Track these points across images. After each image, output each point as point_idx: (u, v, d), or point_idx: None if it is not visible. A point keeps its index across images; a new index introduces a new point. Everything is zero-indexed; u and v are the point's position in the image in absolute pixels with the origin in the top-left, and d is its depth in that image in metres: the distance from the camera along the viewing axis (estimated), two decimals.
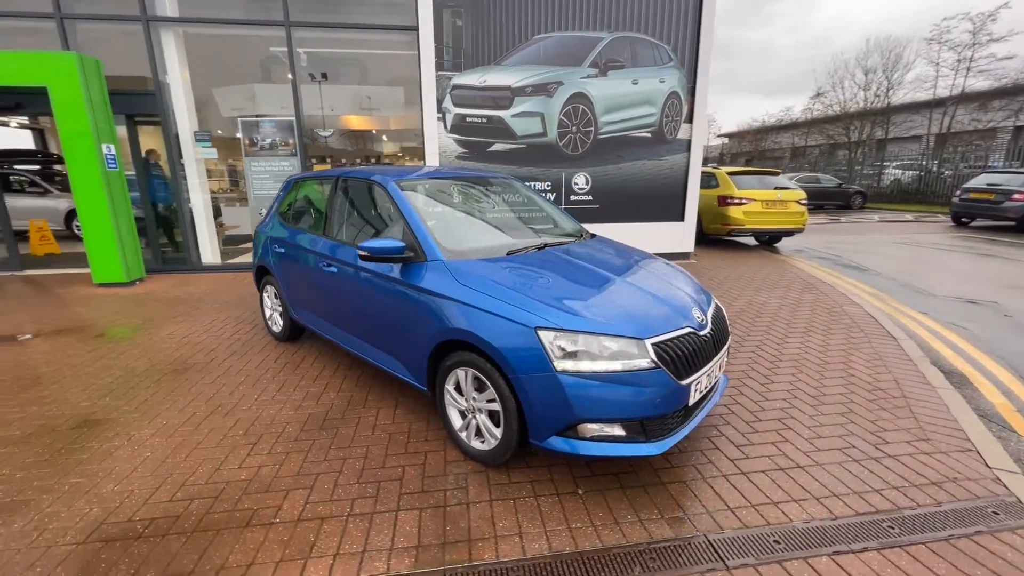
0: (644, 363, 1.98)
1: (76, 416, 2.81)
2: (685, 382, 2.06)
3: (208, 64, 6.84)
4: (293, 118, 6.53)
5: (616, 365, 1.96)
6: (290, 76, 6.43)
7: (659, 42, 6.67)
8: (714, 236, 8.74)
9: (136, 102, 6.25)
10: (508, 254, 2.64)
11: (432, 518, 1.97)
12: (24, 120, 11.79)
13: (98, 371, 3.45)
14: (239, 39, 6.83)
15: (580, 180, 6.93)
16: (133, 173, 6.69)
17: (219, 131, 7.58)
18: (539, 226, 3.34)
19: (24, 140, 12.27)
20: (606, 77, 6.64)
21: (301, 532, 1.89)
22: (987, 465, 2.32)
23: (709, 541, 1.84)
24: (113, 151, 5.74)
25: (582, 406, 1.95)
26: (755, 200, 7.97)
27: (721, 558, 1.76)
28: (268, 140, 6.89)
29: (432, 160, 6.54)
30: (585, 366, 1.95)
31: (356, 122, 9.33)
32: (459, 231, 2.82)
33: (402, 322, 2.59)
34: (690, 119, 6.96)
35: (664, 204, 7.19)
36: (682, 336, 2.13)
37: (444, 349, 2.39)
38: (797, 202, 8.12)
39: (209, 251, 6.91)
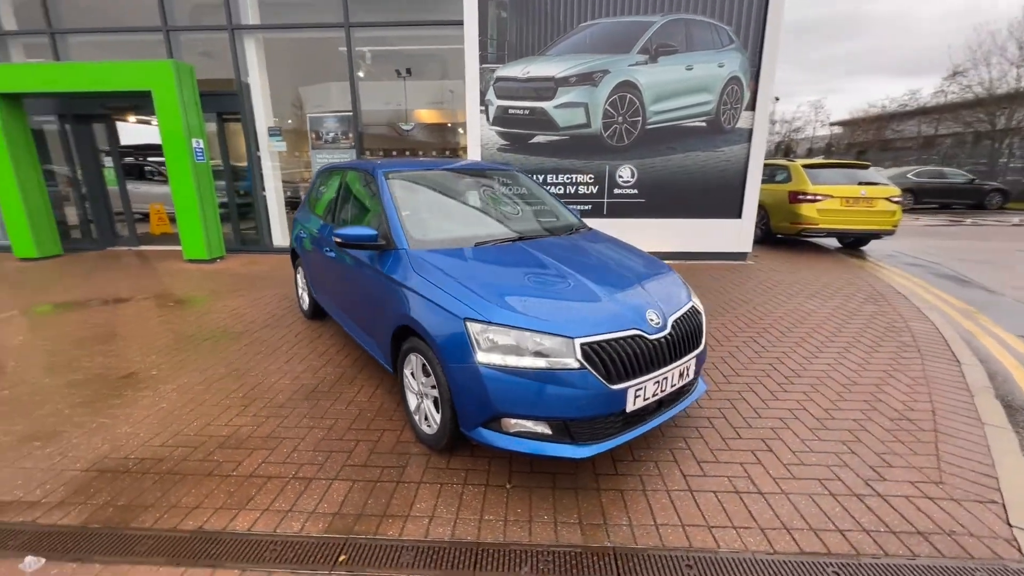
0: (570, 363, 1.91)
1: (125, 368, 3.36)
2: (618, 387, 1.96)
3: (283, 65, 7.57)
4: (351, 113, 7.02)
5: (541, 363, 1.92)
6: (361, 74, 6.92)
7: (718, 23, 6.15)
8: (784, 236, 7.92)
9: (225, 101, 7.13)
10: (476, 245, 2.66)
11: (360, 491, 2.09)
12: (145, 118, 13.91)
13: (157, 333, 4.06)
14: (310, 41, 7.44)
15: (625, 173, 6.65)
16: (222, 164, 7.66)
17: (289, 123, 8.36)
18: (529, 219, 3.31)
19: (154, 135, 14.53)
20: (657, 64, 6.27)
21: (246, 487, 2.12)
22: (1008, 523, 1.91)
23: (614, 554, 1.75)
24: (201, 145, 6.62)
25: (502, 399, 1.94)
26: (832, 196, 7.07)
27: (618, 572, 1.67)
28: (331, 134, 7.49)
29: (474, 153, 6.67)
30: (510, 360, 1.93)
31: (420, 116, 9.76)
32: (433, 222, 2.89)
33: (375, 306, 2.74)
34: (752, 106, 6.34)
35: (719, 199, 6.66)
36: (624, 338, 2.01)
37: (402, 334, 2.49)
38: (887, 199, 7.06)
39: (280, 234, 7.70)
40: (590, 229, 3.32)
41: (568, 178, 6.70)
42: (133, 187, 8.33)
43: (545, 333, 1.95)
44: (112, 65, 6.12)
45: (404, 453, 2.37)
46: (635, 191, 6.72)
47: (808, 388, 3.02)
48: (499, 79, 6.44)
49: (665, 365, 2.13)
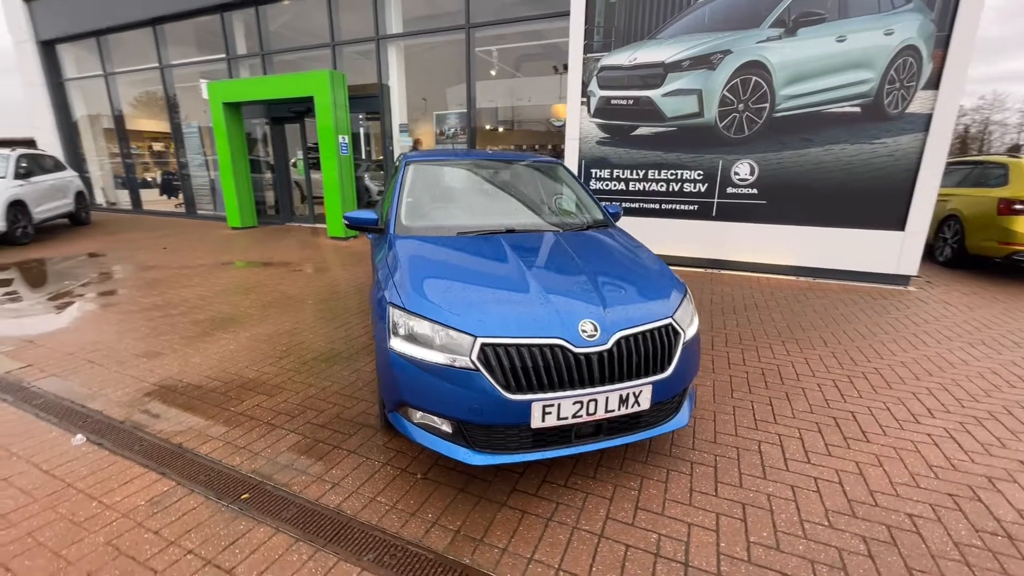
0: (467, 362, 1.80)
1: (230, 314, 4.26)
2: (517, 397, 1.77)
3: (418, 67, 8.44)
4: (466, 110, 7.49)
5: (442, 357, 1.85)
6: (493, 72, 7.37)
7: None
8: (984, 257, 5.82)
9: (370, 103, 8.30)
10: (457, 235, 2.65)
11: (298, 446, 2.31)
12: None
13: (269, 290, 5.02)
14: (442, 44, 8.12)
15: (742, 169, 5.70)
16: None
17: (412, 122, 9.28)
18: (538, 212, 3.14)
19: None
20: (795, 37, 5.18)
21: (231, 421, 2.53)
22: None
23: (463, 572, 1.61)
24: (346, 140, 7.85)
25: (406, 388, 1.93)
26: None
27: None
28: (452, 130, 8.12)
29: (571, 147, 6.49)
30: (417, 351, 1.91)
31: (558, 112, 9.89)
32: (430, 209, 2.96)
33: (373, 287, 2.96)
34: (935, 83, 4.79)
35: (870, 205, 5.23)
36: (540, 346, 1.81)
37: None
38: None
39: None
40: (610, 227, 2.99)
41: (671, 174, 6.04)
42: (317, 176, 10.31)
43: (451, 328, 1.86)
44: (289, 77, 7.67)
45: (362, 425, 2.52)
46: (754, 191, 5.72)
47: (872, 461, 2.24)
48: (603, 68, 6.11)
49: (594, 385, 1.84)
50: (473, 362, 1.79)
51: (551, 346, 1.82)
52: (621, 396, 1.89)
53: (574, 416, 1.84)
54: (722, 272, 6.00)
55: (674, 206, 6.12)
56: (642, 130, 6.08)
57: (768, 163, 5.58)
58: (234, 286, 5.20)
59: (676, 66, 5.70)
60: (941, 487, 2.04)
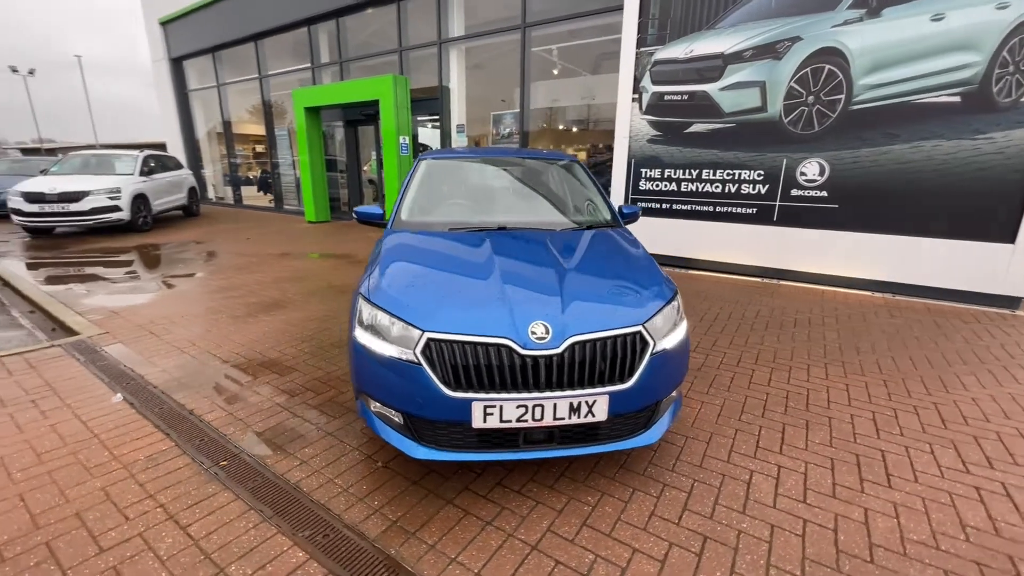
0: (411, 355, 1.81)
1: (277, 300, 4.66)
2: (457, 395, 1.75)
3: (476, 69, 8.61)
4: (518, 111, 7.51)
5: (393, 350, 1.87)
6: (555, 71, 7.37)
7: None
8: None
9: (431, 105, 8.63)
10: (449, 230, 2.67)
11: (286, 425, 2.47)
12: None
13: (319, 279, 5.42)
14: (502, 45, 8.19)
15: (810, 169, 5.10)
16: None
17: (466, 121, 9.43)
18: (539, 210, 3.08)
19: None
20: (879, 18, 4.53)
21: (239, 393, 2.77)
22: None
23: (386, 562, 1.62)
24: (406, 141, 8.24)
25: (364, 378, 1.99)
26: None
27: None
28: (507, 129, 8.19)
29: (621, 145, 6.24)
30: (374, 342, 1.94)
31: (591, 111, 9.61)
32: (430, 206, 3.00)
33: None
34: None
35: (973, 212, 4.42)
36: (485, 345, 1.77)
37: None
38: None
39: None
40: (615, 228, 2.83)
41: (728, 175, 5.57)
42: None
43: (404, 321, 1.88)
44: (358, 82, 8.22)
45: (349, 410, 2.64)
46: (823, 194, 5.09)
47: (879, 505, 1.90)
48: (657, 62, 5.80)
49: (540, 390, 1.76)
50: (417, 356, 1.79)
51: (497, 346, 1.77)
52: (572, 404, 1.79)
53: (518, 420, 1.78)
54: (781, 283, 5.42)
55: (730, 209, 5.65)
56: (697, 127, 5.68)
57: (842, 162, 4.94)
58: (290, 275, 5.69)
59: (737, 57, 5.25)
60: (969, 552, 1.68)
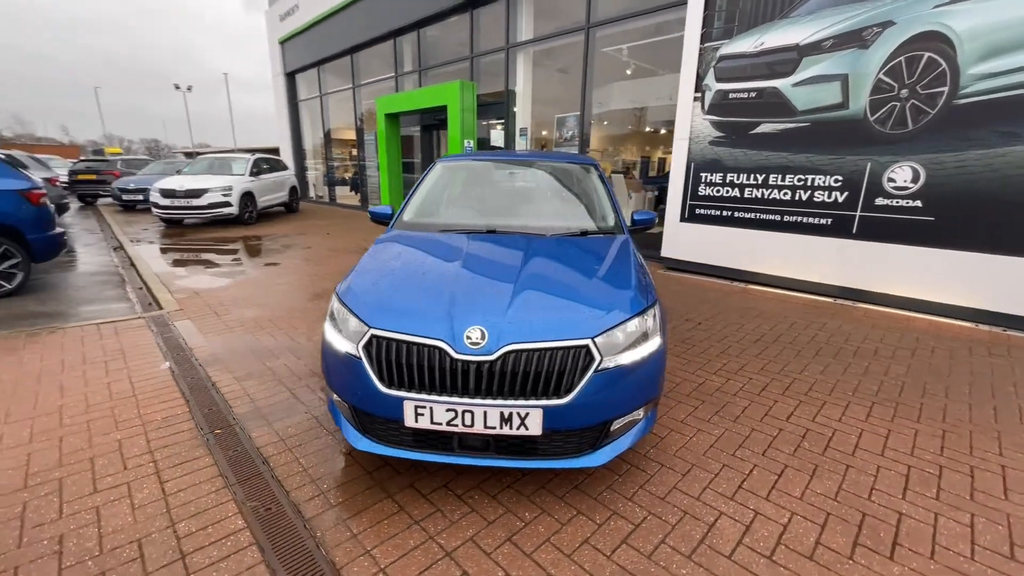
0: (356, 350, 1.89)
1: (322, 290, 5.09)
2: (391, 392, 1.79)
3: (542, 72, 8.59)
4: (579, 113, 7.37)
5: (346, 344, 1.96)
6: (629, 71, 7.22)
7: None
8: None
9: (497, 109, 8.81)
10: (440, 231, 2.72)
11: (284, 402, 2.69)
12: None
13: None
14: (564, 48, 8.10)
15: (902, 174, 4.37)
16: None
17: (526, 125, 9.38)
18: (539, 215, 3.01)
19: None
20: None
21: (261, 373, 3.08)
22: None
23: (312, 541, 1.70)
24: (470, 145, 8.49)
25: (326, 368, 2.11)
26: None
27: (258, 549, 1.65)
28: (570, 132, 8.09)
29: (680, 147, 5.85)
30: (333, 336, 2.04)
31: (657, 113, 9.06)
32: (434, 207, 3.06)
33: None
34: None
35: None
36: (421, 345, 1.79)
37: None
38: None
39: None
40: (607, 235, 2.69)
41: (799, 180, 4.97)
42: None
43: (356, 316, 1.97)
44: (430, 89, 8.64)
45: None
46: (916, 203, 4.33)
47: None
48: (722, 58, 5.35)
49: (471, 396, 1.74)
50: (359, 351, 1.86)
51: (432, 347, 1.78)
52: (503, 414, 1.74)
53: (448, 424, 1.77)
54: (858, 305, 4.70)
55: (800, 219, 5.03)
56: (765, 127, 5.14)
57: (942, 166, 4.16)
58: (348, 268, 6.16)
59: (815, 48, 4.67)
60: None
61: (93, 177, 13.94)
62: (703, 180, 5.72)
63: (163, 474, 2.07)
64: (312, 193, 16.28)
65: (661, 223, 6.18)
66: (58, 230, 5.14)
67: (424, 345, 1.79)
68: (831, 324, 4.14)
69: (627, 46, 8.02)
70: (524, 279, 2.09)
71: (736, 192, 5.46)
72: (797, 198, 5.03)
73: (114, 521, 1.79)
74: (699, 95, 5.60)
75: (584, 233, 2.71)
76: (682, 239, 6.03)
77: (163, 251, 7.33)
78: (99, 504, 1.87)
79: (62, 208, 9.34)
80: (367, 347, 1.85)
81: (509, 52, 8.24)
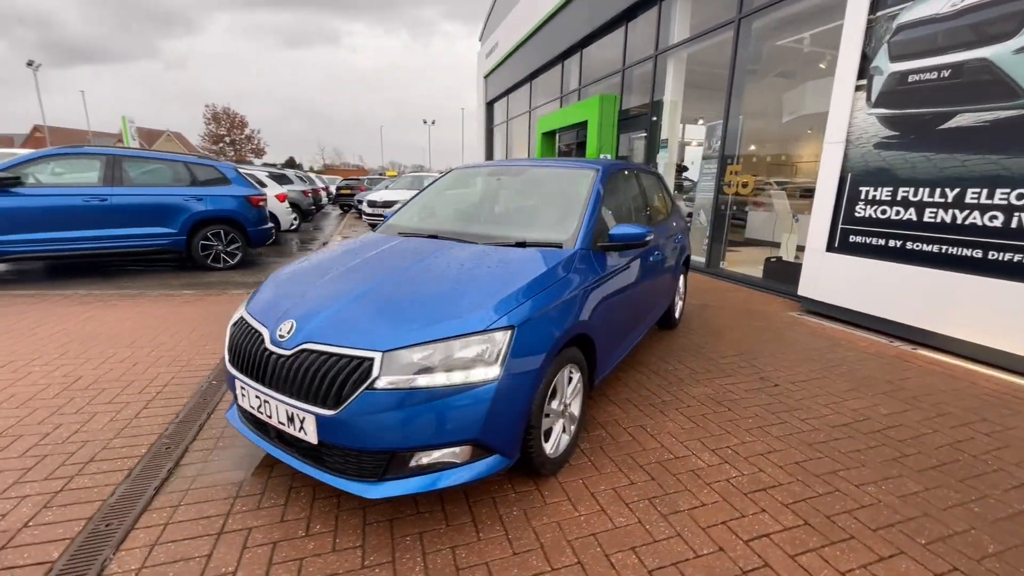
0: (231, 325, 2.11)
1: None
2: (230, 369, 1.96)
3: (693, 81, 7.57)
4: (721, 122, 6.29)
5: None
6: (820, 67, 6.11)
7: None
8: None
9: (640, 121, 8.22)
10: (398, 234, 2.76)
11: None
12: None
13: None
14: (715, 46, 6.96)
15: None
16: None
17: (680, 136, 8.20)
18: (512, 223, 2.71)
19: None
20: None
21: None
22: None
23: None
24: (607, 158, 8.14)
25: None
26: None
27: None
28: (717, 142, 6.99)
29: (832, 152, 4.41)
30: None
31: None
32: (422, 211, 3.08)
33: None
34: None
35: None
36: (250, 329, 1.93)
37: None
38: None
39: None
40: (547, 248, 2.28)
41: (1017, 198, 3.18)
42: None
43: (250, 313, 2.17)
44: (574, 107, 8.65)
45: None
46: None
47: None
48: (900, 28, 3.83)
49: (268, 386, 1.77)
50: (229, 328, 2.09)
51: (256, 333, 1.88)
52: (288, 413, 1.71)
53: (258, 410, 1.83)
54: None
55: (1016, 256, 3.22)
56: (962, 119, 3.48)
57: None
58: None
59: None
60: None
61: (349, 192, 18.59)
62: (862, 196, 4.18)
63: (173, 431, 2.69)
64: None
65: (800, 253, 4.77)
66: (268, 225, 7.09)
67: (253, 330, 1.89)
68: None
69: (809, 34, 6.47)
70: (384, 283, 1.99)
71: (911, 214, 3.81)
72: (1013, 225, 3.22)
73: None
74: (863, 83, 4.14)
75: (523, 244, 2.36)
76: (827, 275, 4.51)
77: None
78: (110, 438, 2.57)
79: (307, 213, 12.74)
80: (234, 325, 2.06)
81: (657, 60, 7.61)
